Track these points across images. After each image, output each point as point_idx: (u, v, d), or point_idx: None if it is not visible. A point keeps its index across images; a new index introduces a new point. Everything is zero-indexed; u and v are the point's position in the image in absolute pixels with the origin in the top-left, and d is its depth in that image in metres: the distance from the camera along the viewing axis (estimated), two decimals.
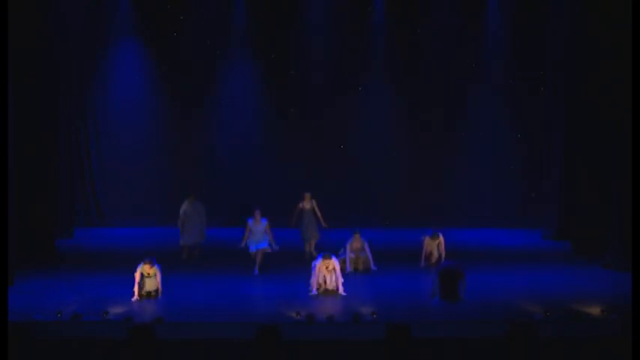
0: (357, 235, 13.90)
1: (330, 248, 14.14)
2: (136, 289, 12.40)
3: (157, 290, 12.50)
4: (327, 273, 12.71)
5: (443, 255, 14.29)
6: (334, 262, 12.76)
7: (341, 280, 12.72)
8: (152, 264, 12.49)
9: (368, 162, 17.78)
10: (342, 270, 13.14)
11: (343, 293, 12.62)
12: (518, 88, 17.59)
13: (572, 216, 15.85)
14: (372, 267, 13.89)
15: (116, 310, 11.63)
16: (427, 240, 14.28)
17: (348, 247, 13.89)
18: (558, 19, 16.41)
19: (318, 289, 12.66)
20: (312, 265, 12.85)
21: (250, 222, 14.06)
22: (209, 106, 17.63)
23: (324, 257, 12.69)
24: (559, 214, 16.40)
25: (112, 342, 10.55)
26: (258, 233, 13.95)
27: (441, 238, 14.45)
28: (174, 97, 17.55)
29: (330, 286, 12.69)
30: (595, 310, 11.58)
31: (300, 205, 14.88)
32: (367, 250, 13.92)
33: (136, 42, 17.41)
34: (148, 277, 12.47)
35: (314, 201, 14.87)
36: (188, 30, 17.26)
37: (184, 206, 14.99)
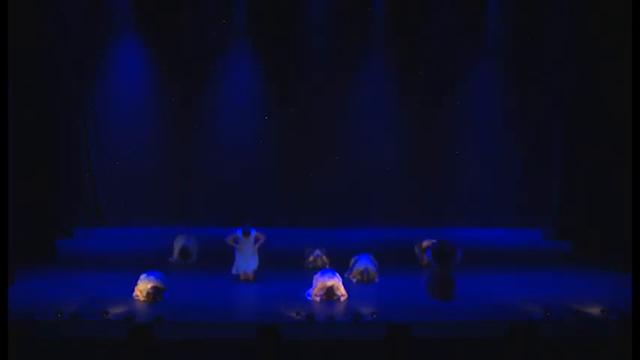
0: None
1: (335, 252, 14.18)
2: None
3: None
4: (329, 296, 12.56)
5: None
6: (339, 288, 12.57)
7: (343, 296, 12.57)
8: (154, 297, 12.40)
9: (368, 162, 17.77)
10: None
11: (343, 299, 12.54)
12: (518, 88, 17.59)
13: (572, 216, 15.85)
14: (376, 278, 13.69)
15: (116, 310, 11.62)
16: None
17: (355, 272, 13.67)
18: (558, 19, 16.42)
19: (316, 299, 12.50)
20: (314, 277, 12.67)
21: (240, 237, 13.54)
22: (209, 106, 17.63)
23: (328, 296, 12.40)
24: (559, 214, 16.40)
25: (112, 342, 10.55)
26: (248, 253, 13.62)
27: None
28: (175, 97, 17.54)
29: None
30: (595, 310, 11.59)
31: (311, 258, 14.18)
32: (375, 268, 13.75)
33: (137, 42, 17.40)
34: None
35: (323, 257, 14.16)
36: (188, 30, 17.26)
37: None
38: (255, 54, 17.53)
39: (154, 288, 12.27)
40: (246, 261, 13.46)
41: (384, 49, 17.59)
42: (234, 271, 13.47)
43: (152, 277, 12.38)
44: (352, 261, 13.74)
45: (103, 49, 17.32)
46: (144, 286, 12.31)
